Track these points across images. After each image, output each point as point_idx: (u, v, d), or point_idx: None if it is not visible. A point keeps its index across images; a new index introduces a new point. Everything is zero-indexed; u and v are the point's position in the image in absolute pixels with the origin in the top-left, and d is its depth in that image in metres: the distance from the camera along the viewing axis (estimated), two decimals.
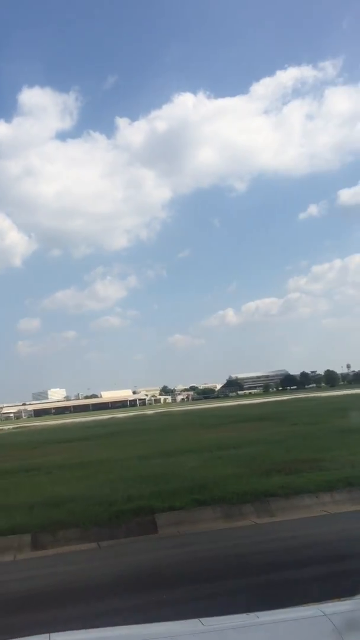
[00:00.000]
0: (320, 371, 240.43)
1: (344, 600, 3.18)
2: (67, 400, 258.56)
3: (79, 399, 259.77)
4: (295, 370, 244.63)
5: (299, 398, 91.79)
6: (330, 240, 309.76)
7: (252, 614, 3.00)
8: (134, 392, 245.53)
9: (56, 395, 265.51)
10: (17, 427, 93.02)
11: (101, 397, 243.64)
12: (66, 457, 29.62)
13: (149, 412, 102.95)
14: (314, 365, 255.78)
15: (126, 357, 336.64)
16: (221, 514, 16.44)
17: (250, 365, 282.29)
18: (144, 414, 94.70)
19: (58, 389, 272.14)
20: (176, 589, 9.66)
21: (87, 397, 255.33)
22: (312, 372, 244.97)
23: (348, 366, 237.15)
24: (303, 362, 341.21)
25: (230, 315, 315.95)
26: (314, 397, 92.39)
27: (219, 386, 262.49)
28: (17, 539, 15.78)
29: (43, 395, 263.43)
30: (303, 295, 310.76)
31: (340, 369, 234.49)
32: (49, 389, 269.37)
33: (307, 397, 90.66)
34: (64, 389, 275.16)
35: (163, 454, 26.27)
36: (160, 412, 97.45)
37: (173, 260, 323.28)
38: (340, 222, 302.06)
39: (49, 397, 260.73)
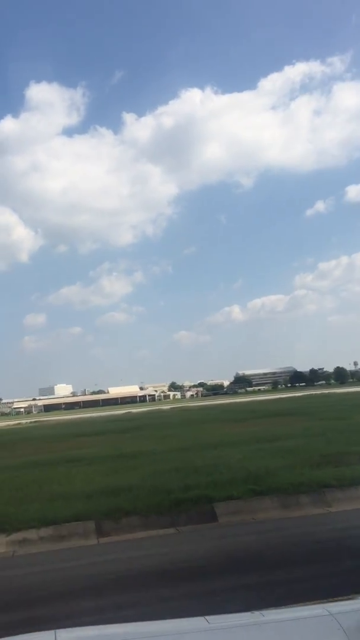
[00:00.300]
0: (328, 368, 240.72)
1: (350, 599, 3.18)
2: (74, 395, 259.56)
3: (85, 394, 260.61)
4: (301, 367, 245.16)
5: (314, 394, 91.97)
6: (337, 236, 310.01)
7: (257, 613, 2.99)
8: (141, 388, 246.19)
9: (62, 391, 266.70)
10: (34, 422, 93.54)
11: (108, 392, 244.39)
12: (101, 449, 29.96)
13: (165, 407, 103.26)
14: (320, 363, 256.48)
15: (131, 353, 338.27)
16: (279, 504, 16.73)
17: (257, 362, 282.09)
18: (159, 409, 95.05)
19: (64, 385, 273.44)
20: (275, 571, 9.96)
21: (94, 393, 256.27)
22: (319, 369, 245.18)
23: (355, 363, 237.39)
24: (309, 359, 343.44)
25: (236, 311, 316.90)
26: (328, 393, 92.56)
27: (226, 383, 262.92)
28: (81, 525, 16.17)
29: (50, 390, 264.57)
30: (309, 292, 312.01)
31: (347, 366, 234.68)
32: (56, 385, 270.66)
33: (323, 394, 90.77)
34: (70, 385, 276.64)
35: (202, 446, 26.58)
36: (177, 407, 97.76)
37: (179, 257, 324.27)
38: (348, 219, 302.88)
39: (56, 392, 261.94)
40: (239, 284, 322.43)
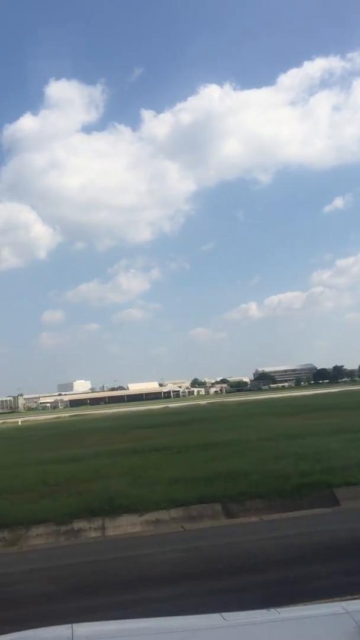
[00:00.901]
0: (347, 366, 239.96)
1: None
2: (93, 391, 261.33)
3: (103, 390, 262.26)
4: (320, 365, 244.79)
5: (349, 390, 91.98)
6: (356, 233, 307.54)
7: (273, 610, 2.98)
8: (160, 385, 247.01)
9: (81, 387, 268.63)
10: (74, 415, 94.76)
11: (128, 389, 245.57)
12: (179, 439, 30.53)
13: (202, 402, 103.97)
14: (338, 360, 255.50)
15: (148, 349, 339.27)
16: None
17: (275, 359, 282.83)
18: (198, 404, 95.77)
19: (83, 381, 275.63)
20: None
21: (112, 389, 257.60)
22: (338, 366, 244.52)
23: None
24: (327, 356, 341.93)
25: (253, 308, 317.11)
26: None
27: (245, 379, 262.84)
28: (209, 507, 16.84)
29: (68, 386, 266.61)
30: (327, 290, 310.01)
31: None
32: (75, 381, 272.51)
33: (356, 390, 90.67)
34: (88, 381, 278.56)
35: (285, 436, 27.07)
36: (214, 402, 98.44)
37: (196, 253, 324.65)
38: None
39: (74, 388, 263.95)
40: (255, 280, 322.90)
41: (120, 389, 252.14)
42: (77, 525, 16.29)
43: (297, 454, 20.89)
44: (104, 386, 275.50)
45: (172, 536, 13.80)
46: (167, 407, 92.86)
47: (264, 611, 2.97)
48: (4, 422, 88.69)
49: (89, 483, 19.62)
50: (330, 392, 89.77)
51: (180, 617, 3.06)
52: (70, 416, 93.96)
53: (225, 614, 2.88)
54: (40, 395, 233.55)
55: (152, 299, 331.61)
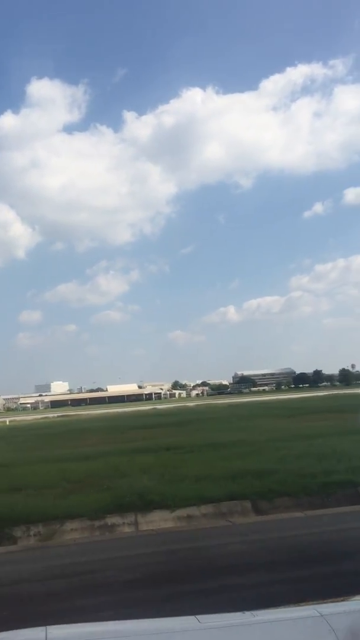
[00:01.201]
0: (325, 370, 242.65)
1: (342, 601, 3.19)
2: (72, 393, 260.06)
3: (82, 392, 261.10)
4: (298, 369, 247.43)
5: (334, 394, 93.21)
6: (335, 239, 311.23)
7: (248, 613, 2.97)
8: (140, 387, 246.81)
9: (59, 388, 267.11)
10: (62, 416, 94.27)
11: (107, 390, 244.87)
12: (186, 439, 30.77)
13: (190, 404, 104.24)
14: (315, 364, 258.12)
15: (127, 351, 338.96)
16: None
17: (254, 363, 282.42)
18: (186, 405, 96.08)
19: (61, 382, 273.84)
20: None
21: (92, 391, 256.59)
22: (318, 370, 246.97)
23: (352, 366, 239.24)
24: (305, 360, 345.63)
25: (231, 312, 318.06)
26: (350, 393, 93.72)
27: (224, 382, 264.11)
28: (239, 504, 17.18)
29: (46, 387, 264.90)
30: (305, 294, 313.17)
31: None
32: (52, 382, 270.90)
33: (345, 394, 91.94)
34: (66, 382, 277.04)
35: (292, 437, 27.52)
36: (202, 404, 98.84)
37: (176, 256, 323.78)
38: (345, 221, 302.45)
39: (52, 389, 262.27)
40: (235, 284, 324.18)
41: (99, 391, 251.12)
42: (111, 520, 16.50)
43: (315, 454, 21.32)
44: (82, 387, 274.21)
45: (223, 530, 14.12)
46: (155, 408, 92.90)
47: (240, 614, 2.97)
48: None
49: (112, 480, 19.80)
50: (317, 396, 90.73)
51: (155, 619, 3.03)
52: (57, 417, 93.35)
53: (200, 617, 2.85)
54: (20, 395, 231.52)
55: (131, 300, 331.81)
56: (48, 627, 2.82)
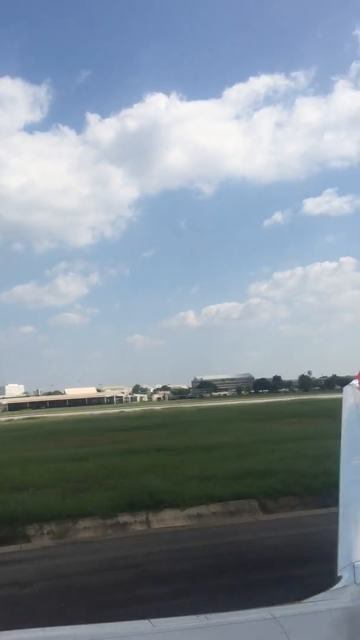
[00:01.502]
0: (284, 377, 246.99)
1: (293, 603, 3.24)
2: (28, 395, 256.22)
3: (38, 394, 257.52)
4: (256, 375, 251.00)
5: (300, 400, 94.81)
6: (293, 248, 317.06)
7: (201, 616, 2.95)
8: (98, 390, 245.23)
9: (14, 391, 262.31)
10: (28, 418, 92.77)
11: (65, 393, 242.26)
12: (171, 441, 31.06)
13: (157, 407, 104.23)
14: (272, 370, 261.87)
15: (85, 354, 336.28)
16: None
17: (213, 368, 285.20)
18: (153, 409, 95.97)
19: (16, 385, 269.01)
20: None
21: (49, 393, 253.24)
22: (277, 376, 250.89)
23: (309, 372, 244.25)
24: (262, 366, 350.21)
25: (190, 317, 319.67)
26: (314, 399, 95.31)
27: (184, 387, 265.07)
28: (246, 503, 17.61)
29: (0, 390, 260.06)
30: (264, 301, 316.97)
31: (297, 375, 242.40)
32: (6, 384, 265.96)
33: (310, 399, 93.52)
34: (22, 385, 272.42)
35: (278, 440, 28.20)
36: (170, 407, 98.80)
37: (137, 260, 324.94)
38: (304, 231, 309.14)
39: (7, 392, 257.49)
40: (195, 289, 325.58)
41: (56, 394, 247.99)
42: (122, 518, 16.72)
43: (310, 455, 21.89)
44: (38, 390, 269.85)
45: (253, 526, 14.46)
46: (122, 411, 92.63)
47: (193, 617, 2.95)
48: None
49: (115, 479, 19.98)
50: (283, 401, 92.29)
51: (107, 624, 2.98)
52: (23, 419, 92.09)
53: (153, 620, 2.84)
54: None
55: (91, 303, 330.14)
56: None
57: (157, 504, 17.14)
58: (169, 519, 16.86)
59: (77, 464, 24.12)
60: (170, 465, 22.29)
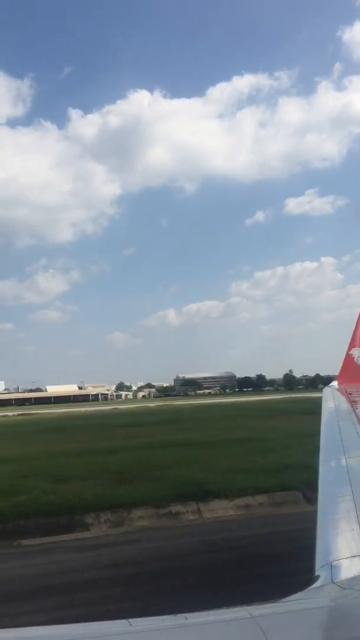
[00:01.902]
0: (269, 376, 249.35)
1: (271, 602, 3.24)
2: (9, 392, 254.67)
3: (18, 391, 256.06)
4: (237, 373, 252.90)
5: (292, 398, 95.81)
6: (274, 247, 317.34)
7: (180, 615, 2.96)
8: (80, 388, 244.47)
9: None
10: (22, 414, 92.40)
11: (46, 390, 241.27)
12: (192, 436, 31.64)
13: (151, 404, 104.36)
14: (253, 368, 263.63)
15: (64, 352, 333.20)
16: None
17: (194, 366, 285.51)
18: (146, 406, 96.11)
19: None
20: None
21: (30, 391, 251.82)
22: (262, 375, 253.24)
23: (290, 371, 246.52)
24: (243, 365, 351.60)
25: (171, 315, 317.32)
26: (304, 397, 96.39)
27: (165, 385, 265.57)
28: (291, 494, 18.24)
29: None
30: (244, 300, 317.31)
31: (279, 374, 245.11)
32: None
33: (301, 398, 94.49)
34: (2, 382, 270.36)
35: (303, 435, 28.72)
36: (163, 405, 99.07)
37: (118, 257, 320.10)
38: (285, 230, 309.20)
39: None
40: (175, 288, 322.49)
41: (37, 391, 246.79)
42: (175, 508, 17.28)
43: None
44: (18, 387, 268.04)
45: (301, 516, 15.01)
46: (116, 408, 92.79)
47: (171, 617, 2.94)
48: None
49: (156, 471, 20.47)
50: (275, 399, 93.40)
51: (84, 623, 2.98)
52: (17, 415, 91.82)
53: (132, 620, 2.85)
54: None
55: (71, 300, 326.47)
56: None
57: (205, 495, 17.74)
58: (220, 509, 17.47)
59: (109, 457, 24.57)
60: (202, 458, 22.86)
